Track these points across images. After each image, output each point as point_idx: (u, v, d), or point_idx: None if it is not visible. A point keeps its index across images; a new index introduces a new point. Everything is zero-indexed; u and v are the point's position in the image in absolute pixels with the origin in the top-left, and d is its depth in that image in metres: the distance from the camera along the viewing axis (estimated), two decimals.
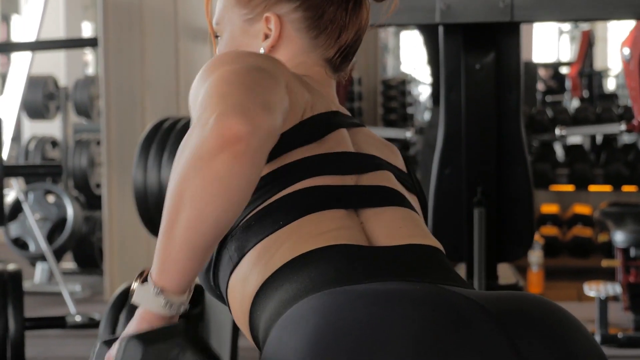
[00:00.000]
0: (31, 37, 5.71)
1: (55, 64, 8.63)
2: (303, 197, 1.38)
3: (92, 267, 7.01)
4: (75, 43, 5.40)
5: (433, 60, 6.50)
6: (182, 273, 1.26)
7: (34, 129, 8.48)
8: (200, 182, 1.20)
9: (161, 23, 6.01)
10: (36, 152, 6.99)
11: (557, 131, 4.50)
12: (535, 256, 5.96)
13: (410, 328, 1.19)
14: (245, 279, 1.37)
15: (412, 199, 1.52)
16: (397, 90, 8.40)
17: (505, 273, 3.86)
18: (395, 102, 8.41)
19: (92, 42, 4.39)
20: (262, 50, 1.49)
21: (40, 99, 6.76)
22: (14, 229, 6.51)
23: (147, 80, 5.74)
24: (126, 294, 3.35)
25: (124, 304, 3.32)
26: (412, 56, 15.75)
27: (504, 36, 3.33)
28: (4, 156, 6.20)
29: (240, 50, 1.46)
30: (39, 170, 4.18)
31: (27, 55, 5.71)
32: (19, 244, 6.55)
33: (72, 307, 5.90)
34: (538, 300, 1.31)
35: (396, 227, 1.42)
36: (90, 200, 7.01)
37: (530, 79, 10.03)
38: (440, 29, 3.36)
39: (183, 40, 6.00)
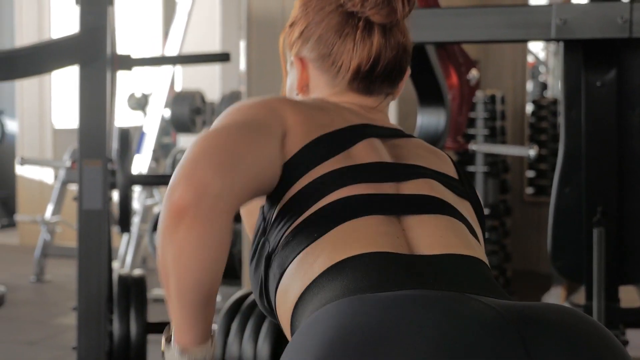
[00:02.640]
0: (174, 52, 5.89)
1: (211, 79, 8.85)
2: (336, 207, 1.43)
3: (233, 278, 7.14)
4: (206, 58, 5.51)
5: None
6: (194, 327, 1.39)
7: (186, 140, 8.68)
8: (172, 253, 1.32)
9: None
10: None
11: None
12: None
13: (420, 332, 1.20)
14: (286, 291, 1.43)
15: (463, 205, 1.54)
16: (547, 111, 8.27)
17: (630, 296, 3.76)
18: (545, 122, 8.28)
19: (223, 57, 4.49)
20: (295, 92, 1.63)
21: (187, 113, 6.94)
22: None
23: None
24: (239, 302, 3.41)
25: (236, 312, 3.37)
26: None
27: (625, 52, 3.25)
28: (145, 168, 6.40)
29: (245, 103, 1.52)
30: (164, 180, 4.30)
31: (168, 70, 5.88)
32: None
33: None
34: (567, 311, 1.29)
35: (437, 236, 1.43)
36: None
37: None
38: (560, 45, 3.31)
39: None
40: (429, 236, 1.43)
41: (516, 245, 7.64)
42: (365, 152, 1.50)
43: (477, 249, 1.47)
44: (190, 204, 1.29)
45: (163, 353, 1.46)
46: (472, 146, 4.26)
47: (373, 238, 1.40)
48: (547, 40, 3.22)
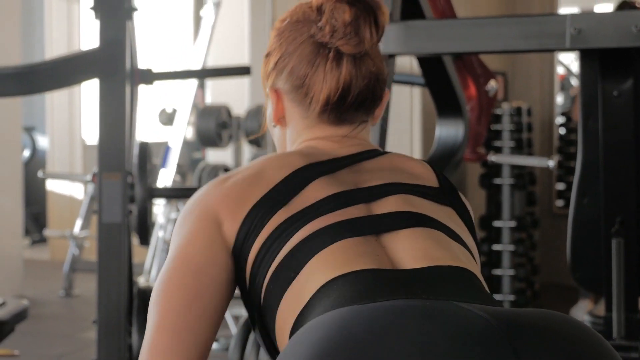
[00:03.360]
0: (197, 66, 5.92)
1: (239, 93, 8.88)
2: (305, 245, 1.44)
3: None
4: (227, 72, 5.52)
5: None
6: None
7: (215, 155, 8.71)
8: None
9: None
10: (209, 179, 7.19)
11: None
12: None
13: (410, 342, 1.19)
14: (282, 329, 1.44)
15: (445, 213, 1.54)
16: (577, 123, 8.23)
17: None
18: (575, 134, 8.24)
19: (244, 71, 4.49)
20: (272, 124, 1.66)
21: (214, 127, 6.96)
22: None
23: None
24: None
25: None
26: None
27: None
28: (169, 182, 6.42)
29: (180, 227, 1.54)
30: (183, 193, 4.31)
31: (192, 84, 5.90)
32: None
33: (233, 329, 6.02)
34: (557, 317, 1.28)
35: (419, 249, 1.43)
36: None
37: None
38: (577, 55, 3.30)
39: None
40: (411, 250, 1.43)
41: (545, 258, 7.60)
42: (319, 190, 1.51)
43: (462, 257, 1.46)
44: None
45: None
46: (492, 157, 4.24)
47: (354, 258, 1.40)
48: (562, 50, 3.21)
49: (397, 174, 1.56)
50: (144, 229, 3.73)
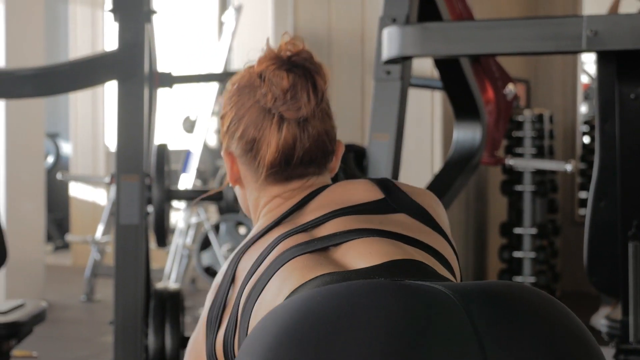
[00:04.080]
0: (218, 71, 5.94)
1: None
2: (258, 282, 1.51)
3: None
4: None
5: None
6: None
7: None
8: None
9: (348, 60, 6.11)
10: (229, 186, 7.20)
11: None
12: None
13: (372, 315, 1.23)
14: None
15: (395, 219, 1.59)
16: None
17: None
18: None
19: None
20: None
21: None
22: (205, 258, 6.73)
23: (333, 114, 5.82)
24: None
25: None
26: None
27: None
28: (189, 186, 6.44)
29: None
30: (200, 194, 4.32)
31: (213, 90, 5.92)
32: (211, 272, 6.77)
33: None
34: (513, 285, 1.33)
35: (369, 252, 1.48)
36: None
37: None
38: (595, 57, 3.29)
39: (369, 76, 6.08)
40: (362, 255, 1.48)
41: (566, 265, 7.57)
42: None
43: (414, 254, 1.51)
44: None
45: None
46: (509, 161, 4.23)
47: (311, 269, 1.45)
48: (578, 52, 3.20)
49: (335, 204, 1.61)
50: (162, 230, 3.74)
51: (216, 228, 6.53)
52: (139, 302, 3.74)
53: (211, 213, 7.61)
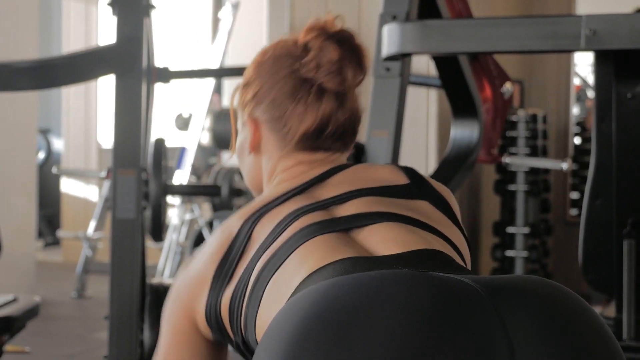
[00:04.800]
0: (215, 66, 5.93)
1: None
2: (284, 244, 1.50)
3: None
4: (244, 71, 5.53)
5: None
6: None
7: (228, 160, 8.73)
8: None
9: None
10: (224, 182, 7.20)
11: None
12: None
13: (395, 305, 1.23)
14: (268, 318, 1.47)
15: (415, 205, 1.60)
16: None
17: None
18: (589, 143, 8.24)
19: None
20: (246, 151, 1.71)
21: (229, 130, 6.97)
22: None
23: None
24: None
25: None
26: None
27: None
28: (184, 182, 6.44)
29: (165, 319, 1.63)
30: (198, 190, 4.32)
31: (209, 85, 5.92)
32: None
33: None
34: (536, 279, 1.33)
35: (391, 239, 1.49)
36: None
37: None
38: (592, 57, 3.31)
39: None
40: (383, 241, 1.48)
41: (558, 265, 7.59)
42: (287, 209, 1.57)
43: (434, 243, 1.51)
44: None
45: None
46: (506, 159, 4.25)
47: (331, 251, 1.45)
48: (577, 50, 3.21)
49: (359, 182, 1.62)
50: (158, 225, 3.74)
51: (210, 225, 6.53)
52: (134, 297, 3.73)
53: (205, 210, 7.61)
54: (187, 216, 6.49)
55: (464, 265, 1.53)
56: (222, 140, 7.04)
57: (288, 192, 1.60)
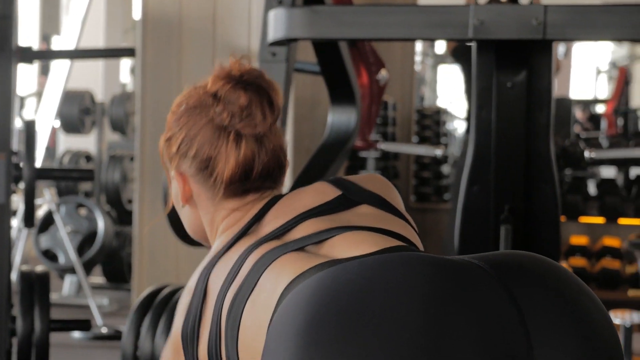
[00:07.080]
0: (70, 47, 5.79)
1: (93, 82, 8.73)
2: (244, 284, 1.49)
3: (120, 282, 7.05)
4: (113, 53, 5.45)
5: (470, 92, 6.52)
6: None
7: (68, 142, 8.56)
8: None
9: (199, 41, 6.06)
10: (70, 166, 7.05)
11: (587, 153, 4.48)
12: None
13: (407, 286, 1.26)
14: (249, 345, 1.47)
15: (357, 211, 1.61)
16: (432, 120, 8.43)
17: None
18: (429, 131, 8.43)
19: (129, 53, 4.44)
20: (180, 204, 1.72)
21: (77, 113, 6.82)
22: (44, 240, 6.57)
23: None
24: (151, 297, 3.37)
25: (148, 307, 3.33)
26: (448, 90, 15.88)
27: (536, 54, 3.33)
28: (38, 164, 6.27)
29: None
30: (71, 174, 4.21)
31: (65, 66, 5.78)
32: (49, 255, 6.61)
33: (99, 319, 5.94)
34: (534, 255, 1.39)
35: (362, 242, 1.50)
36: (122, 216, 7.06)
37: (566, 114, 10.08)
38: (474, 46, 3.38)
39: (220, 59, 6.04)
40: (349, 246, 1.49)
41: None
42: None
43: (395, 241, 1.53)
44: None
45: None
46: (381, 145, 4.30)
47: (306, 260, 1.46)
48: (464, 40, 3.28)
49: (297, 209, 1.62)
50: (31, 210, 3.64)
51: (57, 207, 6.36)
52: (3, 284, 3.62)
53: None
54: (39, 201, 6.31)
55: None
56: (68, 123, 6.89)
57: (231, 238, 1.60)
